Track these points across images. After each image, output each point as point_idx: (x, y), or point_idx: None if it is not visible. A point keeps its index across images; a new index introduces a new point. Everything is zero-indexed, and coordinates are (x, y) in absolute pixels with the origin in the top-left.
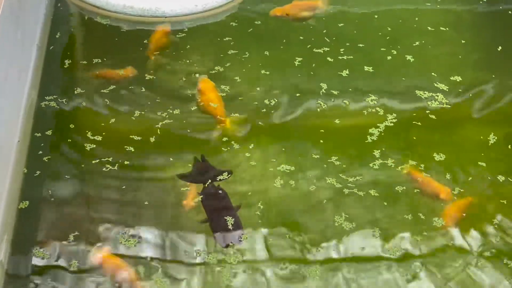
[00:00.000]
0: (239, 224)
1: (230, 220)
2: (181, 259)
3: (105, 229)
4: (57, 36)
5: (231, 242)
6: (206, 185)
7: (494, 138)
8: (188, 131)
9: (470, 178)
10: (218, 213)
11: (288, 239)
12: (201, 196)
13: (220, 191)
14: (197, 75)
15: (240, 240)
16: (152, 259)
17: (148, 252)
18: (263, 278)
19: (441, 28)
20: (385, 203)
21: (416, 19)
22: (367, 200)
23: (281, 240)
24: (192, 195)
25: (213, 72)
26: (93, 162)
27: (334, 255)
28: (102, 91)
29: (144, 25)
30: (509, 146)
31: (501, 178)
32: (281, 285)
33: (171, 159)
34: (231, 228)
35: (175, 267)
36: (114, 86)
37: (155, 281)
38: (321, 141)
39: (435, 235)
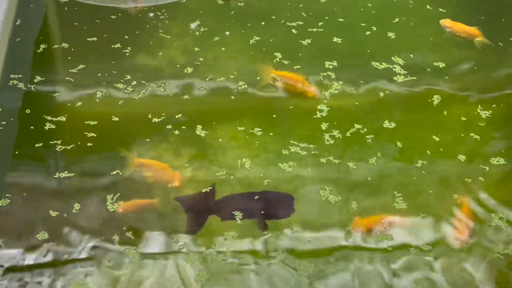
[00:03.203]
0: None
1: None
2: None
3: None
4: (24, 12)
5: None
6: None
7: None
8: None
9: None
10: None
11: None
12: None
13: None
14: None
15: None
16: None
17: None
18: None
19: (428, 7)
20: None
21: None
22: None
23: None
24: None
25: (188, 50)
26: (55, 141)
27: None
28: (69, 70)
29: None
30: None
31: (461, 157)
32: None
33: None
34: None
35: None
36: (83, 66)
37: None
38: (274, 115)
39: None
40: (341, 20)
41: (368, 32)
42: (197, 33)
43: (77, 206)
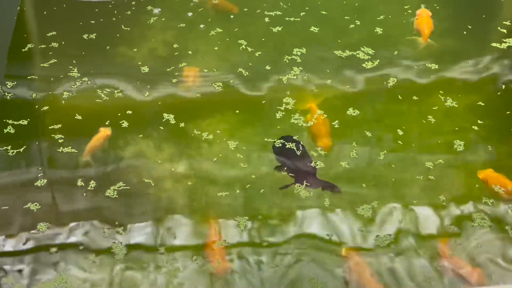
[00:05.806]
0: None
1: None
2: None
3: None
4: None
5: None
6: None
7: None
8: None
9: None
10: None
11: None
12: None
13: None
14: None
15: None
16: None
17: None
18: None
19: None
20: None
21: None
22: None
23: None
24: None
25: (166, 44)
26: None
27: None
28: (41, 65)
29: None
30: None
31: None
32: None
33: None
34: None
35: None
36: (55, 60)
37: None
38: (238, 109)
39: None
40: (323, 12)
41: (352, 25)
42: (156, 18)
43: None
